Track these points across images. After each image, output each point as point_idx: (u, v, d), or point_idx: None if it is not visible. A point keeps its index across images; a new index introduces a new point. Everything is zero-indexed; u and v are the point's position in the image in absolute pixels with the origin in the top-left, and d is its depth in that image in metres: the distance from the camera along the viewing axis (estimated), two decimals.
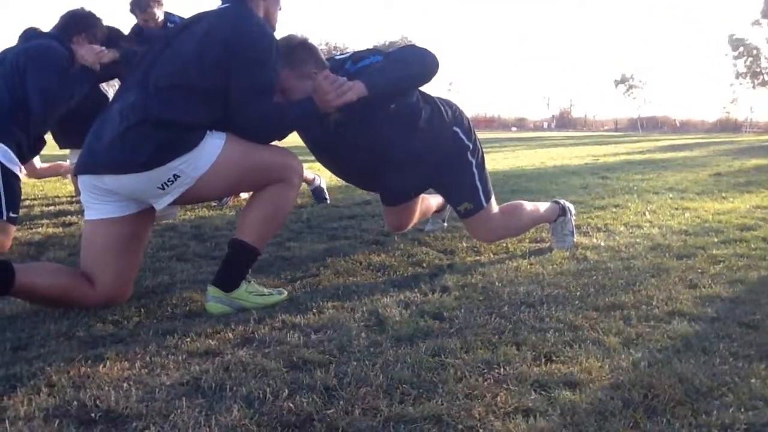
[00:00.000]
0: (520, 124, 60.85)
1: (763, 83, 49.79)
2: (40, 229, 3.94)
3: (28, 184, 5.83)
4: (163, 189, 2.24)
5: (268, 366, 1.80)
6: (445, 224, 3.93)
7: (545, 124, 60.72)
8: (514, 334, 2.06)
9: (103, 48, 3.41)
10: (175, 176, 2.22)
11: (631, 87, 60.85)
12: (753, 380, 1.71)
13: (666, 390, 1.63)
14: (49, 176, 6.26)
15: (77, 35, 3.46)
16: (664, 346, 1.95)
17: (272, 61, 2.30)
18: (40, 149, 3.51)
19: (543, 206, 3.38)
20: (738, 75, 49.43)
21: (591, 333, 2.06)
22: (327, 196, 4.97)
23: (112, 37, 3.79)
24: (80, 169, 2.34)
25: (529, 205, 3.31)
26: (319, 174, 5.20)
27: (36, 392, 1.64)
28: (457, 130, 3.00)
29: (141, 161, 2.18)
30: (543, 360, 1.85)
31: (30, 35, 3.47)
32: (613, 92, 79.20)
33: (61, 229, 3.92)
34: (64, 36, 3.45)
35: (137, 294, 2.50)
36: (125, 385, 1.68)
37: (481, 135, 3.23)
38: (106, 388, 1.65)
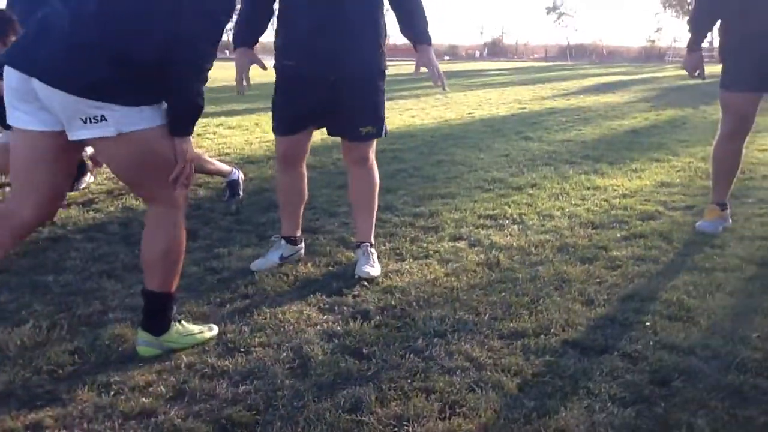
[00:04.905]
0: (453, 52, 60.70)
1: (689, 13, 50.78)
2: None
3: None
4: (85, 123, 2.14)
5: (197, 429, 1.97)
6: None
7: (477, 53, 60.75)
8: (426, 377, 2.28)
9: None
10: (103, 117, 2.12)
11: (561, 15, 61.17)
12: None
13: None
14: None
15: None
16: (554, 390, 2.20)
17: None
18: None
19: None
20: (665, 5, 50.19)
21: (494, 374, 2.30)
22: (240, 192, 4.79)
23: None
24: (13, 62, 2.16)
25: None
26: (237, 168, 5.09)
27: None
28: (384, 51, 3.09)
29: (80, 85, 2.07)
30: (448, 413, 2.07)
31: None
32: (544, 20, 79.37)
33: None
34: None
35: (70, 325, 2.61)
36: None
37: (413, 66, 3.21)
38: None
